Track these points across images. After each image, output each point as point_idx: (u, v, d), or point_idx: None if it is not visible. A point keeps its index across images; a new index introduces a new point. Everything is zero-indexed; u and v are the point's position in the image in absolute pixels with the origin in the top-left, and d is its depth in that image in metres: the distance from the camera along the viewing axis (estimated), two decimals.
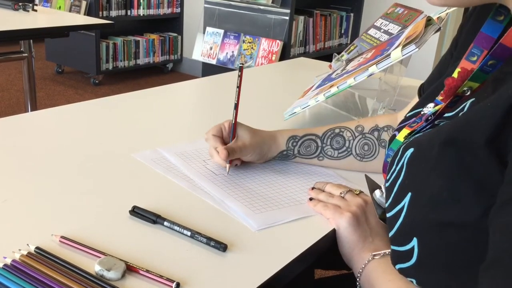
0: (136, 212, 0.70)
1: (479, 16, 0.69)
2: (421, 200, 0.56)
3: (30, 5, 2.26)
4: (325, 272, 1.51)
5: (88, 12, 3.97)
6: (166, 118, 1.14)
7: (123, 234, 0.66)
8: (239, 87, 0.85)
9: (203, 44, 3.30)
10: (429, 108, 0.65)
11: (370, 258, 0.67)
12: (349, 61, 1.18)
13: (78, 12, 3.98)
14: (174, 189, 0.80)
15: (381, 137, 0.90)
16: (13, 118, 1.04)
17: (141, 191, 0.78)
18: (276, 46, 3.04)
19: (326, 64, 1.65)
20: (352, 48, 1.32)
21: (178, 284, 0.57)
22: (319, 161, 0.91)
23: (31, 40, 2.28)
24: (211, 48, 3.26)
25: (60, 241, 0.63)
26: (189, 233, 0.66)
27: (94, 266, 0.58)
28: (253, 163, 0.89)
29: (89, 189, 0.77)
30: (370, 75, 0.92)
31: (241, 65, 0.85)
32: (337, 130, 0.90)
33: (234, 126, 0.86)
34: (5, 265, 0.57)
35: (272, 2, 3.01)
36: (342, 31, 3.71)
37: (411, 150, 0.61)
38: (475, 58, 0.60)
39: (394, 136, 0.71)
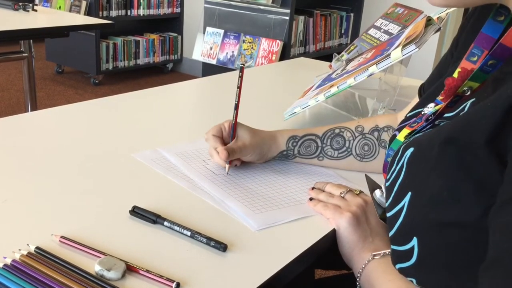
0: (136, 212, 0.70)
1: (480, 16, 0.69)
2: (421, 200, 0.56)
3: (30, 5, 2.26)
4: (325, 272, 1.51)
5: (88, 12, 3.97)
6: (166, 118, 1.14)
7: (123, 234, 0.66)
8: (239, 87, 0.85)
9: (203, 44, 3.30)
10: (430, 108, 0.65)
11: (370, 258, 0.67)
12: (349, 61, 1.18)
13: (78, 12, 3.98)
14: (174, 189, 0.80)
15: (381, 137, 0.90)
16: (13, 118, 1.04)
17: (141, 191, 0.78)
18: (276, 46, 3.04)
19: (326, 64, 1.65)
20: (352, 48, 1.32)
21: (178, 284, 0.57)
22: (319, 161, 0.91)
23: (31, 40, 2.29)
24: (211, 48, 3.27)
25: (60, 241, 0.63)
26: (189, 233, 0.66)
27: (94, 266, 0.58)
28: (253, 163, 0.89)
29: (89, 189, 0.77)
30: (370, 75, 0.92)
31: (242, 65, 0.84)
32: (337, 130, 0.90)
33: (234, 126, 0.86)
34: (5, 265, 0.57)
35: (272, 2, 3.01)
36: (342, 31, 3.71)
37: (411, 149, 0.61)
38: (475, 58, 0.60)
39: (394, 136, 0.71)
